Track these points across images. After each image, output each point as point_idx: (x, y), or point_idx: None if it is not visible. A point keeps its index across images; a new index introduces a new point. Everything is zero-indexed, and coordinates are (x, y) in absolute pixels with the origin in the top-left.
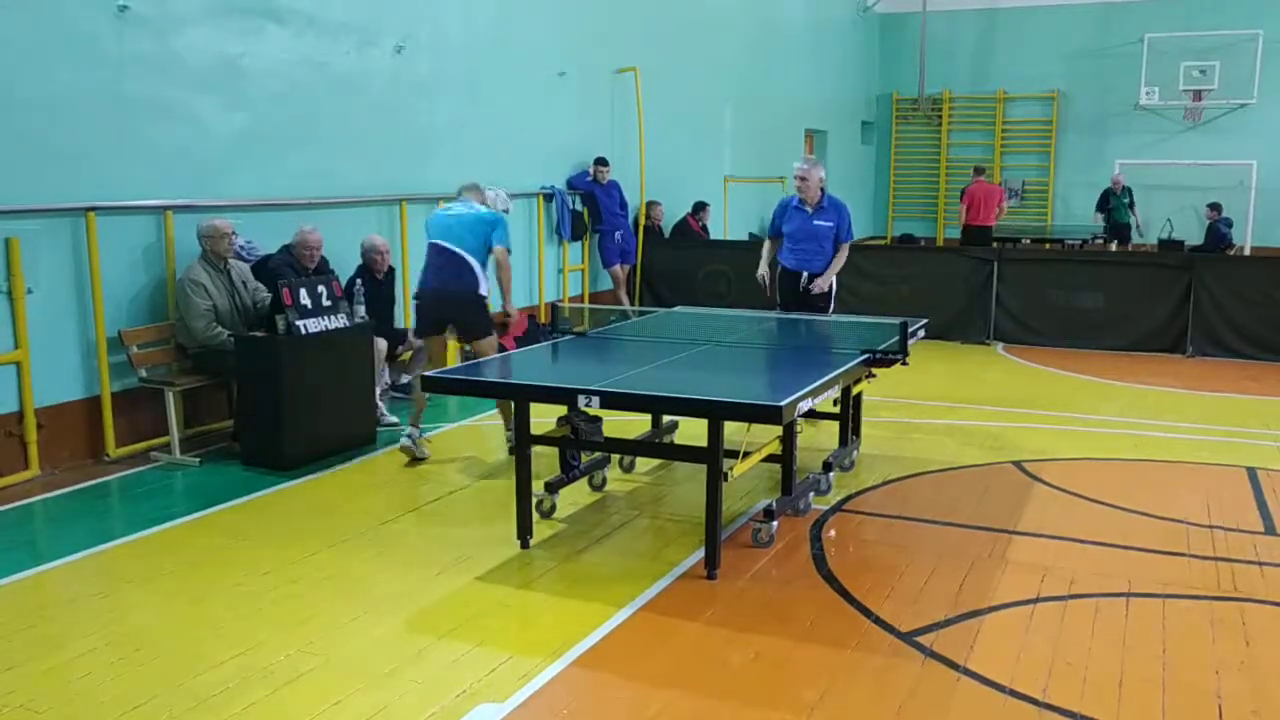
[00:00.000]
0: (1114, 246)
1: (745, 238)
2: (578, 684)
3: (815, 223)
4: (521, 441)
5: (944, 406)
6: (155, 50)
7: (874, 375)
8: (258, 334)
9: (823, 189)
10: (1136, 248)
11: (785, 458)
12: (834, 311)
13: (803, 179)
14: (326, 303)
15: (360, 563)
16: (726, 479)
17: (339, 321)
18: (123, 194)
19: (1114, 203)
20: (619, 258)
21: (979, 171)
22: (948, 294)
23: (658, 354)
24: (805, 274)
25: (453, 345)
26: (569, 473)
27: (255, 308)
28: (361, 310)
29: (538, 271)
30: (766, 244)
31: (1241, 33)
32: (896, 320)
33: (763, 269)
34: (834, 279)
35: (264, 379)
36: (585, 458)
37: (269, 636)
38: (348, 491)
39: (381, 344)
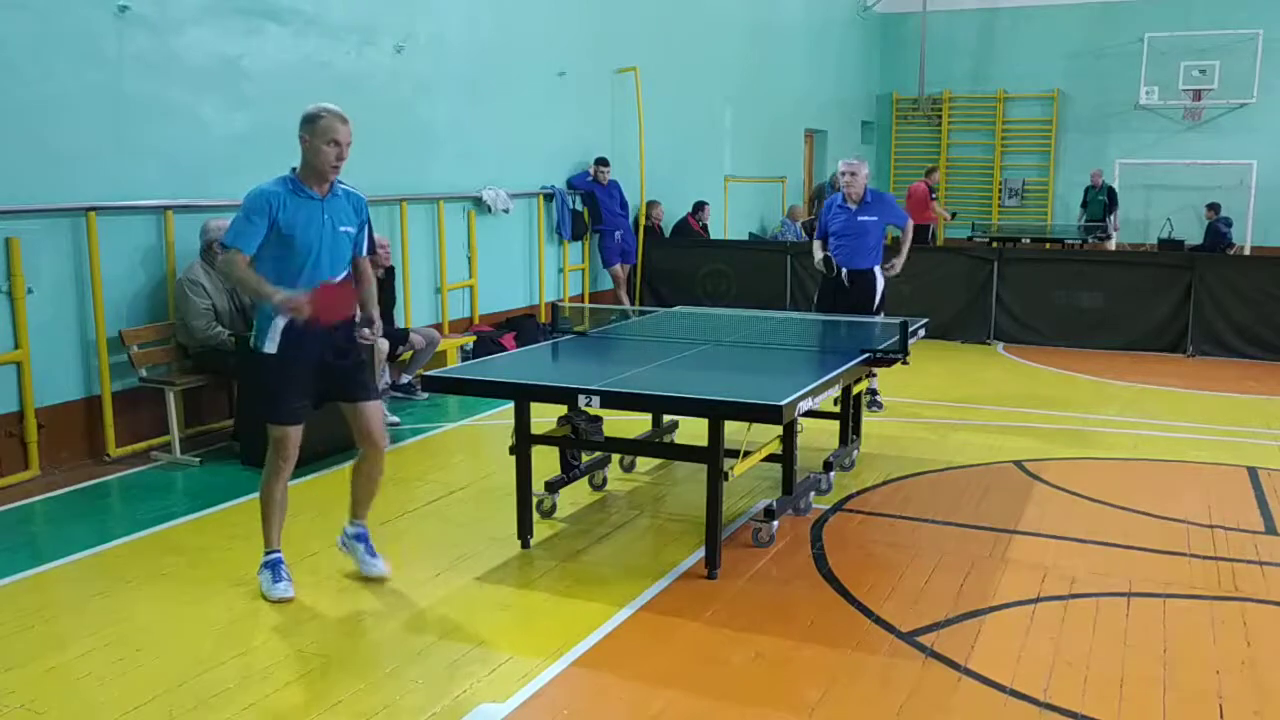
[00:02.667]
0: (1111, 245)
1: (745, 237)
2: (578, 684)
3: (860, 218)
4: (521, 441)
5: (944, 406)
6: (155, 50)
7: (874, 374)
8: None
9: (866, 185)
10: (1120, 247)
11: (785, 457)
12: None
13: (852, 174)
14: None
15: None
16: (727, 479)
17: None
18: (123, 194)
19: (1088, 197)
20: (619, 257)
21: (928, 173)
22: (948, 294)
23: (658, 354)
24: (845, 270)
25: (452, 344)
26: (569, 472)
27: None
28: None
29: (538, 271)
30: (815, 244)
31: (1241, 33)
32: (896, 320)
33: (819, 253)
34: (881, 281)
35: None
36: (585, 457)
37: (269, 636)
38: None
39: (383, 344)
